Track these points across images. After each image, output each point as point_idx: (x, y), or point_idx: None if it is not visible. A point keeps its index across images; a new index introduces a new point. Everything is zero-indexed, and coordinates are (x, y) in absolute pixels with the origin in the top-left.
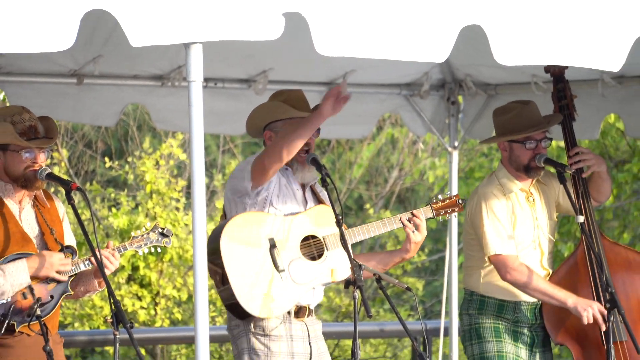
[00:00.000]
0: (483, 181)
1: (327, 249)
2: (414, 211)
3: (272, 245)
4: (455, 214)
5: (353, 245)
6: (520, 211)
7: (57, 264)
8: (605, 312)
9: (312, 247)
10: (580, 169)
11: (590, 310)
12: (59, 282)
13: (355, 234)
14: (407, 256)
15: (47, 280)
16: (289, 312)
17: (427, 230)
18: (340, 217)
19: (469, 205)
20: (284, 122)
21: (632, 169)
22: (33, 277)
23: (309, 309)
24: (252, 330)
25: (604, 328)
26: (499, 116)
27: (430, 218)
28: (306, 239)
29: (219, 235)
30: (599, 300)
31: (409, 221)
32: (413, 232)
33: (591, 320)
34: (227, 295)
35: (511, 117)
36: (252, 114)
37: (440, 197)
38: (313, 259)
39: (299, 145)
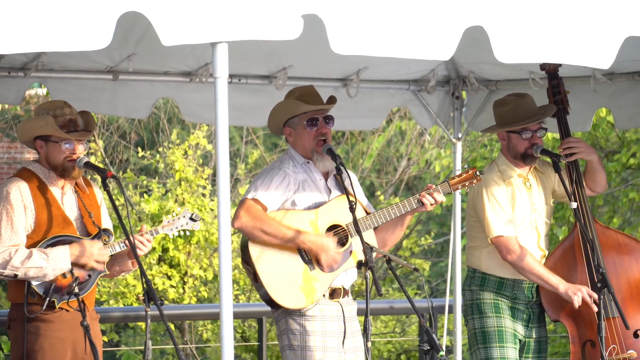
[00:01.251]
0: (484, 169)
1: (351, 236)
2: (431, 185)
3: None
4: (474, 183)
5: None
6: (518, 195)
7: (97, 254)
8: (593, 293)
9: (338, 235)
10: (576, 159)
11: (579, 294)
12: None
13: (374, 219)
14: (423, 209)
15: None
16: (323, 295)
17: (432, 215)
18: (354, 203)
19: (472, 191)
20: (299, 117)
21: (621, 158)
22: (73, 264)
23: (344, 289)
24: (289, 312)
25: (595, 309)
26: (498, 108)
27: (447, 193)
28: (331, 227)
29: (246, 242)
30: (592, 279)
31: (429, 195)
32: (432, 204)
33: (580, 303)
34: (262, 293)
35: (509, 109)
36: (271, 114)
37: (458, 172)
38: (340, 245)
39: (274, 243)
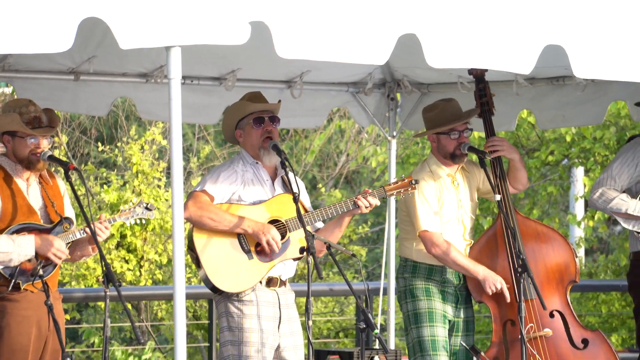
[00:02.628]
0: (416, 168)
1: (289, 230)
2: (367, 190)
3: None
4: (409, 191)
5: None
6: (446, 193)
7: (55, 249)
8: (504, 284)
9: (277, 230)
10: (499, 156)
11: (493, 283)
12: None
13: (315, 216)
14: (357, 212)
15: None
16: (260, 282)
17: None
18: (297, 194)
19: (409, 176)
20: (248, 117)
21: (540, 156)
22: (36, 252)
23: (280, 279)
24: (228, 296)
25: (507, 300)
26: (426, 113)
27: (383, 198)
28: (272, 222)
29: (192, 227)
30: (513, 265)
31: (361, 199)
32: (366, 207)
33: (493, 291)
34: (203, 277)
35: (437, 113)
36: (223, 121)
37: (393, 180)
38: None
39: (220, 229)
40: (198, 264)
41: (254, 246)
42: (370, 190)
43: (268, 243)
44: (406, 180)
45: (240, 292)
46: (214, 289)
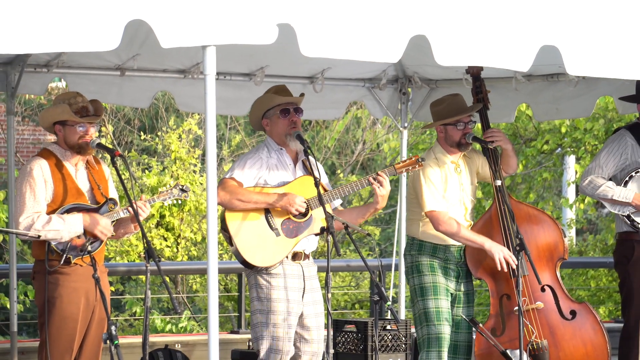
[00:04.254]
0: (423, 154)
1: (311, 209)
2: (379, 171)
3: (266, 211)
4: (417, 168)
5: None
6: (450, 178)
7: (102, 227)
8: (510, 253)
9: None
10: (496, 146)
11: (501, 253)
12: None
13: (333, 195)
14: (378, 207)
15: None
16: (286, 257)
17: None
18: (319, 179)
19: (413, 172)
20: (274, 108)
21: (536, 145)
22: (84, 229)
23: (304, 253)
24: (258, 270)
25: (513, 265)
26: (434, 107)
27: (393, 175)
28: None
29: (224, 210)
30: (507, 243)
31: (375, 179)
32: (379, 187)
33: (502, 260)
34: (236, 253)
35: (444, 106)
36: (251, 111)
37: (403, 158)
38: (301, 216)
39: (250, 207)
40: (230, 242)
41: (280, 225)
42: (381, 172)
43: (296, 208)
44: (413, 159)
45: (269, 266)
46: (245, 263)
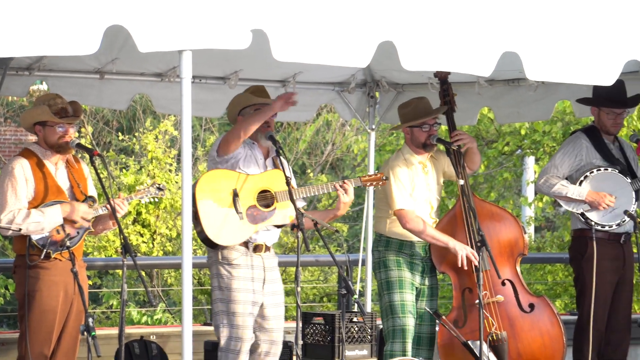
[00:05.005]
0: (392, 156)
1: (277, 201)
2: (346, 180)
3: (235, 195)
4: (380, 185)
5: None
6: (417, 178)
7: (82, 212)
8: (473, 251)
9: (266, 199)
10: (459, 145)
11: (463, 251)
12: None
13: (300, 192)
14: (338, 213)
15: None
16: (247, 247)
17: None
18: (290, 178)
19: (383, 172)
20: (250, 107)
21: (498, 146)
22: (64, 219)
23: (265, 246)
24: (220, 260)
25: (475, 263)
26: (401, 109)
27: (358, 185)
28: (262, 192)
29: (195, 185)
30: (470, 239)
31: (341, 187)
32: (343, 194)
33: (464, 258)
34: (199, 230)
35: (410, 109)
36: (229, 106)
37: (370, 173)
38: (266, 206)
39: (253, 127)
40: (196, 218)
41: (245, 210)
42: (347, 181)
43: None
44: (379, 175)
45: (226, 246)
46: (206, 240)
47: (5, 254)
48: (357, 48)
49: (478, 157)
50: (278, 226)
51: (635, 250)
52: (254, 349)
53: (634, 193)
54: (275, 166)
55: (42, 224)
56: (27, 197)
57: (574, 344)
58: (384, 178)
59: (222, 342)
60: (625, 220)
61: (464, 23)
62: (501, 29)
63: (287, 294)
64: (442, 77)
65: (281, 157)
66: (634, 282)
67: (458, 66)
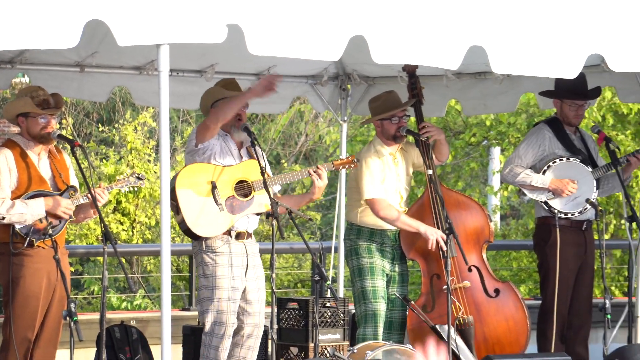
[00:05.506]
0: (364, 148)
1: (254, 190)
2: (319, 165)
3: (214, 187)
4: (352, 167)
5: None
6: (388, 169)
7: (64, 207)
8: (443, 236)
9: (244, 189)
10: (427, 137)
11: (434, 235)
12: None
13: (275, 180)
14: (314, 197)
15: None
16: (230, 235)
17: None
18: (264, 167)
19: (353, 155)
20: (222, 100)
21: (465, 137)
22: (47, 212)
23: (247, 232)
24: (204, 249)
25: (445, 247)
26: (372, 103)
27: (331, 170)
28: (239, 182)
29: (174, 179)
30: (438, 227)
31: (315, 172)
32: (317, 180)
33: (434, 242)
34: (180, 221)
35: (380, 103)
36: (201, 99)
37: (341, 157)
38: (244, 196)
39: (231, 113)
40: (177, 211)
41: (224, 200)
42: (320, 166)
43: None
44: (350, 158)
45: (209, 237)
46: (188, 232)
47: None
48: (330, 42)
49: (446, 148)
50: (257, 214)
51: (596, 237)
52: (237, 332)
53: (595, 182)
54: (250, 156)
55: (25, 215)
56: (11, 186)
57: (538, 328)
58: (356, 160)
59: (207, 326)
60: (586, 208)
61: (432, 18)
62: (468, 23)
63: None
64: (410, 71)
65: (256, 147)
66: (595, 267)
67: (426, 60)
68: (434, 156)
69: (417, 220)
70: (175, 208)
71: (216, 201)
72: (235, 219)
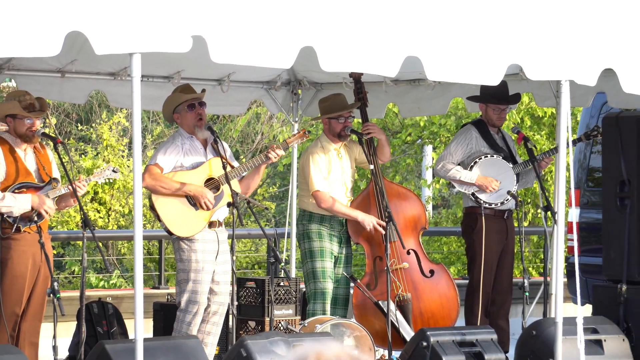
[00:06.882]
0: (311, 144)
1: (222, 184)
2: (269, 149)
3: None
4: (303, 139)
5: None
6: (333, 163)
7: (47, 206)
8: (379, 221)
9: (213, 185)
10: (372, 137)
11: (371, 223)
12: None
13: (237, 172)
14: (269, 162)
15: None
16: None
17: (277, 172)
18: (226, 162)
19: (303, 157)
20: (182, 104)
21: (401, 136)
22: (32, 207)
23: (218, 221)
24: (181, 238)
25: (382, 231)
26: (321, 103)
27: (286, 148)
28: (207, 180)
29: (150, 196)
30: (380, 214)
31: (269, 153)
32: (274, 157)
33: (372, 228)
34: (163, 226)
35: (329, 103)
36: (164, 105)
37: (294, 133)
38: (215, 190)
39: (169, 194)
40: (159, 218)
41: (196, 199)
42: (276, 145)
43: (205, 203)
44: (301, 132)
45: (191, 236)
46: (172, 234)
47: None
48: (282, 52)
49: (388, 150)
50: (228, 205)
51: (516, 224)
52: (205, 309)
53: (515, 176)
54: (215, 152)
55: (12, 208)
56: (0, 178)
57: (466, 304)
58: (307, 132)
59: (182, 304)
60: (508, 199)
61: (374, 31)
62: (405, 36)
63: None
64: (356, 77)
65: (220, 142)
66: (515, 251)
67: (368, 68)
68: (377, 155)
69: (355, 210)
70: (157, 216)
71: (190, 203)
72: (210, 214)
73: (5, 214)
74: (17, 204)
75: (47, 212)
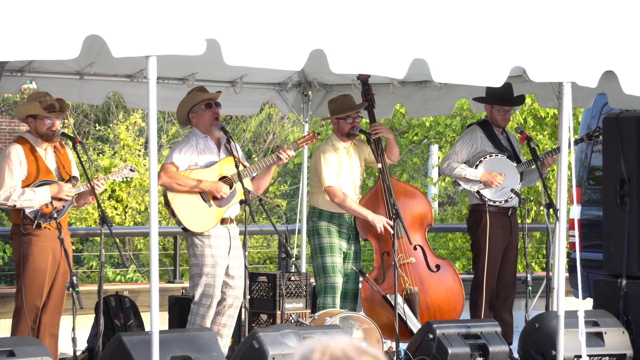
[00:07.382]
0: (322, 142)
1: (235, 182)
2: (280, 150)
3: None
4: (313, 141)
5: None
6: (343, 161)
7: (66, 192)
8: (389, 221)
9: (226, 183)
10: (380, 137)
11: (380, 222)
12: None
13: (250, 170)
14: (281, 162)
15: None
16: (217, 222)
17: (288, 170)
18: (239, 160)
19: (314, 155)
20: (199, 104)
21: (408, 136)
22: (52, 197)
23: (230, 218)
24: (194, 234)
25: (391, 230)
26: (331, 104)
27: (297, 149)
28: (221, 178)
29: (165, 192)
30: (388, 213)
31: (280, 153)
32: (285, 155)
33: (382, 228)
34: (178, 222)
35: (337, 104)
36: (178, 109)
37: (304, 135)
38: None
39: (185, 190)
40: (173, 214)
41: (211, 198)
42: (286, 146)
43: (221, 196)
44: (311, 134)
45: (205, 231)
46: (186, 230)
47: (3, 223)
48: (293, 54)
49: (396, 149)
50: (240, 202)
51: (519, 221)
52: (220, 302)
53: (518, 175)
54: (227, 151)
55: (33, 201)
56: (21, 176)
57: (471, 298)
58: (317, 134)
59: (196, 297)
60: (512, 197)
61: (382, 34)
62: (412, 39)
63: None
64: (364, 79)
65: (232, 143)
66: (518, 247)
67: (376, 70)
68: (386, 155)
69: (366, 209)
70: (172, 213)
71: (204, 199)
72: (223, 211)
73: (26, 209)
74: (37, 196)
75: (68, 196)
